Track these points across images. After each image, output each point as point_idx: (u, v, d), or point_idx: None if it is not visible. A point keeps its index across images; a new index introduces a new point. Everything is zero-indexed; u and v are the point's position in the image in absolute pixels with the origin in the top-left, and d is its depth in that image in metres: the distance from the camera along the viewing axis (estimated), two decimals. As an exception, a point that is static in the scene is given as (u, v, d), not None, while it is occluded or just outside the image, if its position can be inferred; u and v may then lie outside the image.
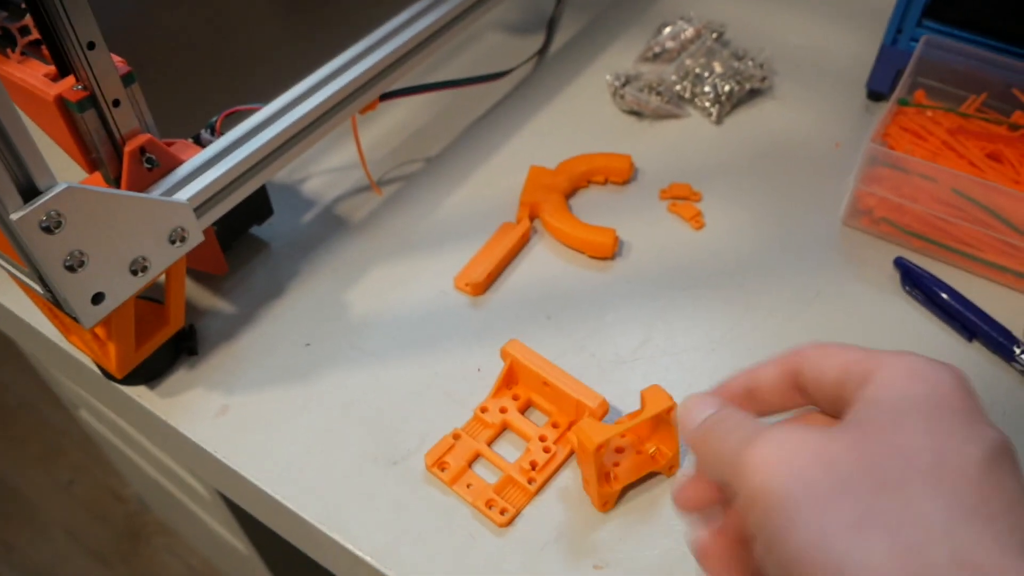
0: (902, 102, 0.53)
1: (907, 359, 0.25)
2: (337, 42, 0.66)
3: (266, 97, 0.61)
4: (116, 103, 0.36)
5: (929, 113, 0.53)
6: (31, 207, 0.31)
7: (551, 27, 0.63)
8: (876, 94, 0.60)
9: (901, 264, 0.48)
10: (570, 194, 0.53)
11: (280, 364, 0.44)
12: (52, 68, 0.37)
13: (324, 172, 0.55)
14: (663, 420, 0.38)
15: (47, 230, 0.32)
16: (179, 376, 0.43)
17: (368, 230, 0.51)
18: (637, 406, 0.40)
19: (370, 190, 0.53)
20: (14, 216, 0.31)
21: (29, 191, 0.32)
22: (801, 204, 0.53)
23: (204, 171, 0.40)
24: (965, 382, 0.24)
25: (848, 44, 0.64)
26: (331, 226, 0.51)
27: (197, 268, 0.46)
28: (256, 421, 0.42)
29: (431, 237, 0.51)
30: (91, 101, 0.36)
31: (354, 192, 0.54)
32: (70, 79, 0.36)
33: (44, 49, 0.38)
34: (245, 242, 0.50)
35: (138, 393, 0.43)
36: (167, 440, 0.44)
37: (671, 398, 0.37)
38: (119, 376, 0.41)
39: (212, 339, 0.45)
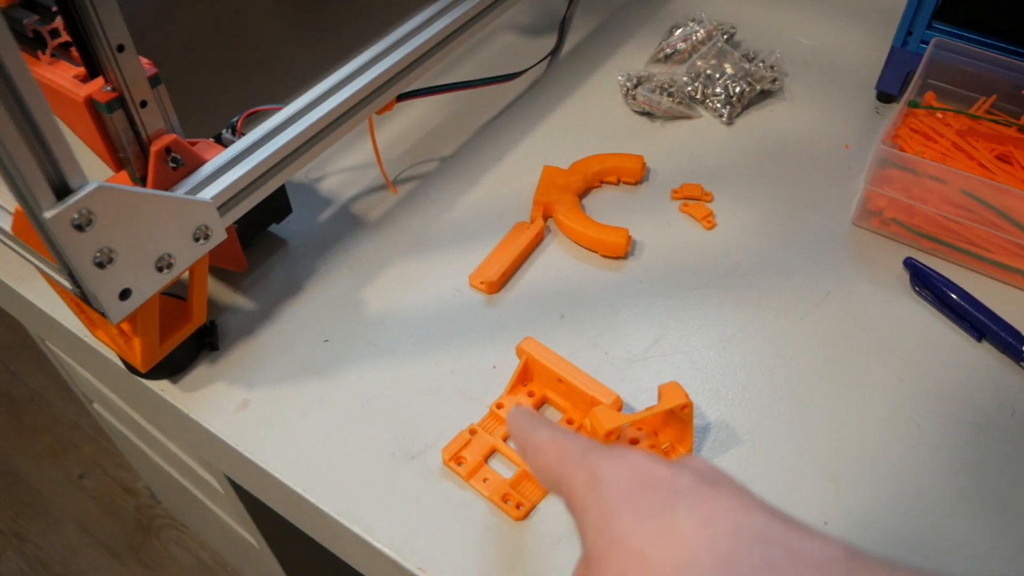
0: (912, 104, 0.53)
1: (587, 472, 0.26)
2: (345, 42, 0.67)
3: (278, 97, 0.62)
4: (143, 104, 0.37)
5: (939, 115, 0.53)
6: (64, 205, 0.32)
7: (563, 29, 0.63)
8: (885, 95, 0.61)
9: (911, 264, 0.49)
10: (583, 194, 0.54)
11: (299, 360, 0.45)
12: (81, 70, 0.38)
13: (340, 171, 0.56)
14: (678, 416, 0.38)
15: (78, 228, 0.33)
16: (201, 371, 0.44)
17: (384, 229, 0.52)
18: (649, 403, 0.41)
19: (386, 189, 0.54)
20: (47, 214, 0.32)
21: (61, 190, 0.33)
22: (811, 204, 0.53)
23: (227, 170, 0.41)
24: (638, 469, 0.26)
25: (857, 45, 0.65)
26: (347, 225, 0.52)
27: (218, 265, 0.47)
28: (276, 415, 0.43)
29: (446, 236, 0.51)
30: (120, 102, 0.37)
31: (370, 191, 0.54)
32: (99, 81, 0.37)
33: (73, 51, 0.39)
34: (264, 240, 0.51)
35: (161, 387, 0.44)
36: (188, 434, 0.45)
37: (687, 395, 0.37)
38: (143, 370, 0.42)
39: (232, 335, 0.46)
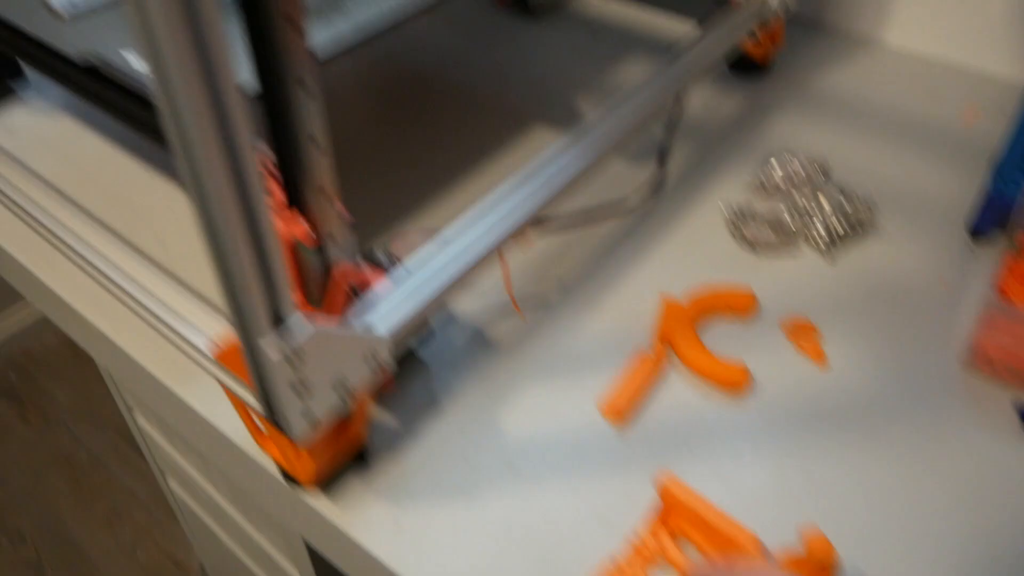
0: (1013, 248, 0.56)
1: None
2: (452, 150, 0.70)
3: (393, 208, 0.65)
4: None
5: (1040, 261, 0.56)
6: (286, 347, 0.35)
7: (663, 159, 0.67)
8: (978, 232, 0.64)
9: (1022, 411, 0.51)
10: (698, 325, 0.57)
11: (443, 479, 0.47)
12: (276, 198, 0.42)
13: (471, 295, 0.59)
14: (822, 565, 0.40)
15: (290, 363, 0.36)
16: (351, 485, 0.47)
17: (515, 353, 0.55)
18: (773, 542, 0.42)
19: (513, 312, 0.58)
20: (274, 358, 0.35)
21: (275, 319, 0.36)
22: (916, 344, 0.56)
23: (401, 306, 0.44)
24: None
25: (946, 180, 0.68)
26: (481, 347, 0.55)
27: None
28: (425, 536, 0.45)
29: (571, 361, 0.54)
30: (321, 248, 0.40)
31: (499, 315, 0.58)
32: (296, 216, 0.41)
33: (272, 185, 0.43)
34: (406, 360, 0.54)
35: (315, 498, 0.46)
36: (336, 548, 0.47)
37: (832, 547, 0.39)
38: (309, 486, 0.44)
39: (378, 450, 0.49)
